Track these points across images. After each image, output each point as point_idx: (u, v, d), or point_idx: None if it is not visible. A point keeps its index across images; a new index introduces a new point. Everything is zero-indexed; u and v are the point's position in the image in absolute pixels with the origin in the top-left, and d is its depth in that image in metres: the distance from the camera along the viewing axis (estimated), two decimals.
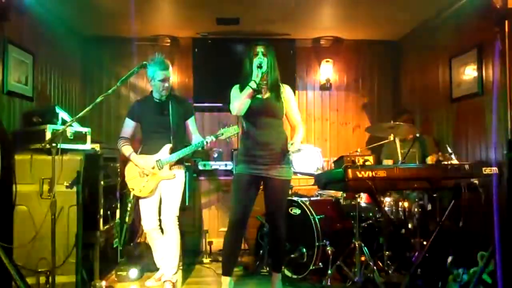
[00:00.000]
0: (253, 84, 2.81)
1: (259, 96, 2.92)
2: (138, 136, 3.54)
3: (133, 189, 3.33)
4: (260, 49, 2.89)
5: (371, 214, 3.70)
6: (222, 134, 3.16)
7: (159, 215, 3.32)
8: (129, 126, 3.39)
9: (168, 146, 3.26)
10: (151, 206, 3.33)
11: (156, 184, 3.27)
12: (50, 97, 4.14)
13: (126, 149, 3.32)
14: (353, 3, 4.00)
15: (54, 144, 2.71)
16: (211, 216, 4.76)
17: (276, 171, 2.87)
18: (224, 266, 2.99)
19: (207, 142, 3.21)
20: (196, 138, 3.35)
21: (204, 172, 4.69)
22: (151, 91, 3.41)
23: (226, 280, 2.96)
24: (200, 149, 3.28)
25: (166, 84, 3.28)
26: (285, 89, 3.02)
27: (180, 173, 3.33)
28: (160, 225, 3.33)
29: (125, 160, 3.40)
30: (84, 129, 3.43)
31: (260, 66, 2.82)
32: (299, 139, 2.92)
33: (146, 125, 3.36)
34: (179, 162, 3.33)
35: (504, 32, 2.32)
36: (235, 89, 2.97)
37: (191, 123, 3.42)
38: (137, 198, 3.38)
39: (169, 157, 3.23)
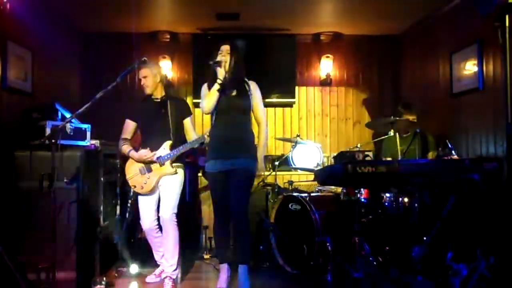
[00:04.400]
0: (219, 80, 2.91)
1: (226, 92, 2.99)
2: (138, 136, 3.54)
3: (135, 186, 3.32)
4: (224, 47, 2.99)
5: (371, 210, 3.70)
6: None
7: (158, 214, 3.32)
8: (129, 127, 3.40)
9: (168, 143, 3.26)
10: (150, 205, 3.33)
11: (157, 180, 3.26)
12: (49, 93, 4.12)
13: (126, 148, 3.33)
14: None
15: (53, 140, 2.71)
16: (211, 212, 4.74)
17: (240, 163, 2.95)
18: (219, 255, 3.20)
19: (208, 135, 3.23)
20: (193, 136, 3.38)
21: (204, 168, 4.67)
22: None
23: (223, 267, 3.13)
24: (199, 145, 3.30)
25: (142, 82, 3.35)
26: (252, 86, 3.09)
27: (179, 171, 3.33)
28: (158, 222, 3.33)
29: (126, 158, 3.40)
30: (84, 125, 3.43)
31: (216, 63, 2.93)
32: (262, 154, 3.09)
33: (145, 124, 3.36)
34: (179, 160, 3.34)
35: (504, 27, 2.31)
36: (204, 89, 3.08)
37: (188, 123, 3.43)
38: (137, 195, 3.38)
39: (170, 153, 3.23)
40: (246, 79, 3.09)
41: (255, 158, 3.06)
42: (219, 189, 3.02)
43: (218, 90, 2.93)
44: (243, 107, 3.01)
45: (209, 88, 3.00)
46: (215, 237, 3.18)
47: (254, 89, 3.08)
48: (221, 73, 2.92)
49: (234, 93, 3.01)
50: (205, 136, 3.23)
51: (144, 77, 3.33)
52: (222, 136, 2.99)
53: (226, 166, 2.96)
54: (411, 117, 3.87)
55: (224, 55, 2.97)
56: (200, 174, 4.70)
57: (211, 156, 3.04)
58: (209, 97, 2.95)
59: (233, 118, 2.99)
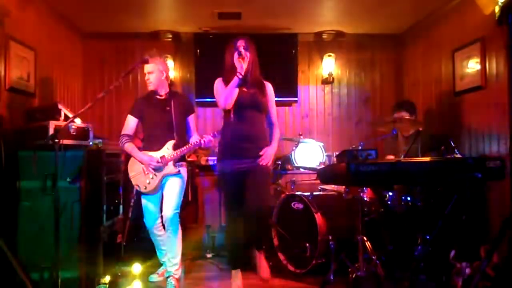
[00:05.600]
0: (239, 75, 2.84)
1: (245, 89, 2.94)
2: (139, 133, 3.54)
3: (138, 186, 3.31)
4: (241, 43, 2.93)
5: (374, 209, 3.70)
6: None
7: (161, 212, 3.32)
8: (131, 123, 3.35)
9: (172, 142, 3.25)
10: (153, 204, 3.32)
11: (160, 180, 3.26)
12: (52, 93, 4.14)
13: (129, 146, 3.31)
14: None
15: (56, 140, 2.71)
16: (214, 211, 4.77)
17: (256, 163, 2.92)
18: (232, 261, 3.10)
19: (215, 135, 3.20)
20: (195, 135, 3.36)
21: (207, 167, 4.69)
22: None
23: (236, 274, 3.04)
24: (201, 146, 3.29)
25: (146, 77, 3.30)
26: (268, 86, 3.07)
27: (183, 170, 3.32)
28: (161, 221, 3.33)
29: (128, 156, 3.40)
30: (87, 125, 3.43)
31: (241, 57, 2.86)
32: (271, 151, 2.97)
33: (148, 122, 3.34)
34: (182, 159, 3.33)
35: (507, 25, 2.30)
36: (219, 83, 3.01)
37: (191, 121, 3.41)
38: (140, 195, 3.38)
39: (173, 153, 3.23)
40: (262, 80, 3.08)
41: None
42: (236, 189, 2.94)
43: (238, 85, 2.87)
44: (261, 105, 2.98)
45: (225, 83, 2.93)
46: (229, 241, 3.08)
47: (269, 90, 3.07)
48: (242, 67, 2.85)
49: (253, 90, 2.96)
50: (210, 137, 3.21)
51: (150, 72, 3.27)
52: (240, 133, 2.94)
53: (244, 166, 2.92)
54: (407, 115, 3.85)
55: (241, 50, 2.89)
56: (204, 173, 4.70)
57: (227, 155, 2.97)
58: (229, 91, 2.87)
59: (251, 115, 2.95)
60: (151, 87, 3.32)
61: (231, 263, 3.10)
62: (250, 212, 2.97)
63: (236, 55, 2.88)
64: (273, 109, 3.10)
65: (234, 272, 3.05)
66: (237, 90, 2.88)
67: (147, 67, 3.28)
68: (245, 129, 2.93)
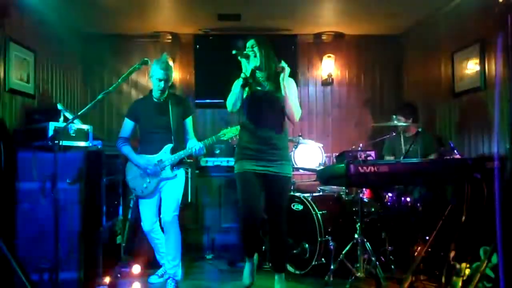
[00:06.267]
0: (243, 74, 2.79)
1: (259, 88, 2.90)
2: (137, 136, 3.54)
3: (135, 189, 3.30)
4: (250, 43, 2.90)
5: (373, 210, 3.70)
6: (224, 134, 3.11)
7: (159, 215, 3.31)
8: (128, 126, 3.33)
9: (169, 146, 3.23)
10: (150, 208, 3.31)
11: (157, 183, 3.25)
12: (51, 95, 4.14)
13: (126, 149, 3.29)
14: None
15: (56, 142, 2.71)
16: (214, 212, 4.76)
17: (276, 168, 2.85)
18: (247, 248, 3.09)
19: (214, 140, 3.17)
20: (192, 141, 3.28)
21: (206, 168, 4.68)
22: (151, 90, 3.36)
23: (250, 261, 3.07)
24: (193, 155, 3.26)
25: (162, 84, 3.20)
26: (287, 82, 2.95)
27: (181, 173, 3.31)
28: (160, 224, 3.32)
29: (127, 159, 3.39)
30: (86, 126, 3.43)
31: (245, 56, 2.82)
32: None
33: (146, 125, 3.30)
34: (180, 161, 3.30)
35: (506, 26, 2.31)
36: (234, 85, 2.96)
37: (188, 123, 3.35)
38: (138, 198, 3.37)
39: (171, 157, 3.21)
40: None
41: (290, 161, 2.97)
42: (251, 191, 2.87)
43: (242, 86, 2.80)
44: (278, 102, 2.85)
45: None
46: (243, 240, 3.05)
47: (289, 84, 2.93)
48: (246, 67, 2.80)
49: (268, 87, 2.89)
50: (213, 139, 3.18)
51: (166, 80, 3.20)
52: (255, 134, 2.86)
53: (261, 169, 2.84)
54: (403, 119, 3.86)
55: (251, 50, 2.85)
56: (204, 175, 4.69)
57: (243, 155, 2.90)
58: (232, 93, 2.80)
59: (266, 114, 2.86)
60: (163, 95, 3.26)
61: (246, 251, 3.07)
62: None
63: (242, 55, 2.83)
64: (294, 95, 2.95)
65: (248, 260, 3.06)
66: (241, 90, 2.82)
67: (167, 75, 3.18)
68: (261, 129, 2.86)
